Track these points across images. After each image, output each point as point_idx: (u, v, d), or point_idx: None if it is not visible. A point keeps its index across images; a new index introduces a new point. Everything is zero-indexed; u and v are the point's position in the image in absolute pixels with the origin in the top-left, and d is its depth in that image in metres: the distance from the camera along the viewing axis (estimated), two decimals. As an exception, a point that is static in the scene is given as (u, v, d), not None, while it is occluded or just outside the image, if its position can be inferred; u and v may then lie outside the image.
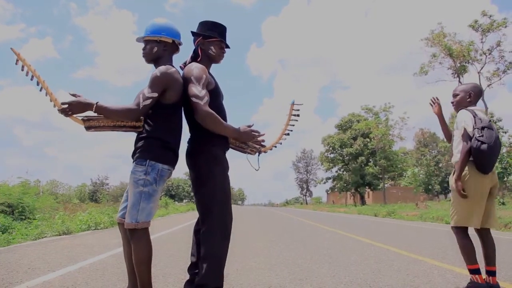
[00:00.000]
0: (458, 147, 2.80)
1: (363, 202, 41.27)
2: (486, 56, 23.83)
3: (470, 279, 2.74)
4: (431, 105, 3.12)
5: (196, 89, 2.13)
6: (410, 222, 13.87)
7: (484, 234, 2.79)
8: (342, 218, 17.91)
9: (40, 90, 2.12)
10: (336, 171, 45.49)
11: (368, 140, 38.26)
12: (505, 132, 30.23)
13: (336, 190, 46.72)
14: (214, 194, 2.20)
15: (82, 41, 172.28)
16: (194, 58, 2.36)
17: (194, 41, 2.37)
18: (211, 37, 2.33)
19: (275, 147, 2.59)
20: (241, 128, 2.28)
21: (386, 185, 43.42)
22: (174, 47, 2.31)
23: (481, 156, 2.61)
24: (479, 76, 24.19)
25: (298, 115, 2.57)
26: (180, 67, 2.37)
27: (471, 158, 2.68)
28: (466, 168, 2.71)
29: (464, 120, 2.72)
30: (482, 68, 24.19)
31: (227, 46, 2.41)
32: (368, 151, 39.79)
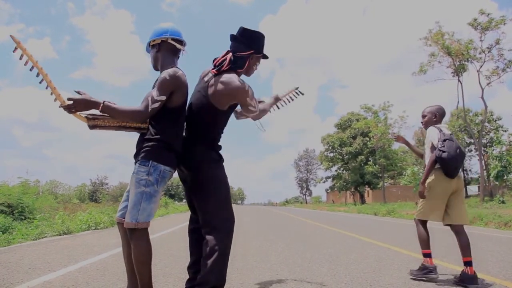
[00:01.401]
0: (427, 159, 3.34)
1: (362, 201, 41.28)
2: (485, 54, 23.84)
3: (423, 262, 3.24)
4: (395, 141, 3.86)
5: (252, 107, 2.27)
6: (410, 221, 13.87)
7: (459, 229, 3.21)
8: (342, 217, 17.94)
9: (40, 82, 2.03)
10: (336, 170, 45.53)
11: (368, 139, 38.26)
12: (505, 131, 30.24)
13: (335, 189, 46.71)
14: (219, 195, 2.23)
15: (80, 41, 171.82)
16: (234, 68, 2.26)
17: (242, 50, 2.27)
18: (261, 54, 2.36)
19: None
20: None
21: (385, 184, 43.43)
22: (168, 45, 2.27)
23: (444, 163, 3.14)
24: (479, 74, 24.20)
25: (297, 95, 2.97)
26: (212, 71, 2.25)
27: (438, 166, 3.20)
28: (434, 173, 3.24)
29: (431, 136, 3.27)
30: (481, 66, 24.21)
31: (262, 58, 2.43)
32: (368, 150, 39.82)
